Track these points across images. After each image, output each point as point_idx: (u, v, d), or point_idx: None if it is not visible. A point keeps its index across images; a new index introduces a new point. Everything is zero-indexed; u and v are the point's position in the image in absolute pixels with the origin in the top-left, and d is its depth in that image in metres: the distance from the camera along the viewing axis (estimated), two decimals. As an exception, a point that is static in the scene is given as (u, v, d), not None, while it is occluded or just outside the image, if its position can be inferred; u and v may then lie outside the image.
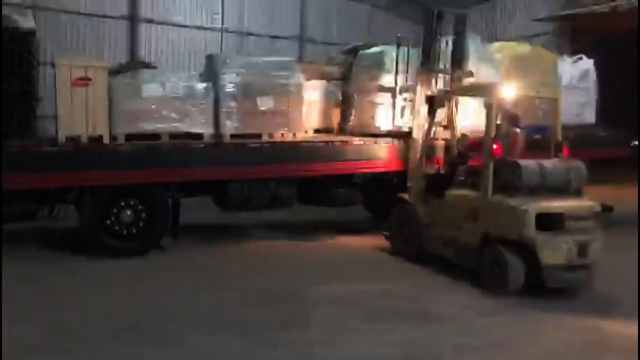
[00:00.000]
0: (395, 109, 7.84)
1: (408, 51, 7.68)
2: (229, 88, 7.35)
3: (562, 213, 5.48)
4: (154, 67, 8.64)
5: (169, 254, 6.88)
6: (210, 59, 7.98)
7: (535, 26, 13.66)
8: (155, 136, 6.99)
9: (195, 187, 7.29)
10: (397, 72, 7.78)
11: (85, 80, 6.61)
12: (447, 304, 5.33)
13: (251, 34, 15.92)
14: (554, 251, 5.38)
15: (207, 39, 15.34)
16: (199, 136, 7.17)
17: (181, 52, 14.75)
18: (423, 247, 6.68)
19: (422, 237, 6.68)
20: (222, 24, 15.62)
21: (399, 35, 7.91)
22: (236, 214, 8.03)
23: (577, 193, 6.07)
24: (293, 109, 7.70)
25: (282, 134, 7.67)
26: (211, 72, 7.53)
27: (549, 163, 5.89)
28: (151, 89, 7.01)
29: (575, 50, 11.41)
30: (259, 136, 7.48)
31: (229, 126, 7.29)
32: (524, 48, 9.22)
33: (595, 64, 9.84)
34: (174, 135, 7.09)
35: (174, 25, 14.91)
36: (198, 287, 5.72)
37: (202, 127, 7.20)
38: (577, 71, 9.67)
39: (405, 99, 7.74)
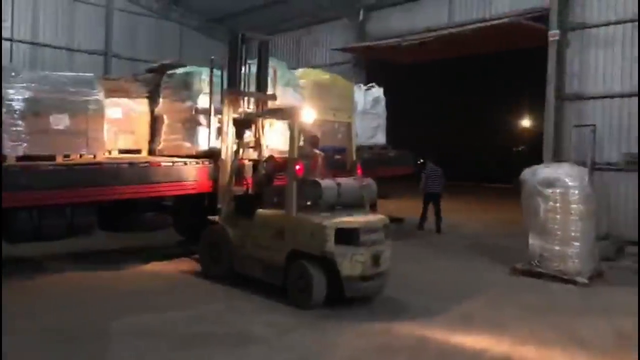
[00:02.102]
0: (210, 131, 7.76)
1: (222, 73, 7.67)
2: (16, 104, 6.63)
3: (358, 228, 5.91)
4: None
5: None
6: (-9, 71, 7.07)
7: (336, 55, 14.82)
8: None
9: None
10: (211, 94, 7.72)
11: None
12: (256, 324, 5.40)
13: (48, 46, 14.57)
14: (351, 263, 5.77)
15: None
16: (-25, 158, 6.28)
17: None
18: (233, 268, 6.71)
19: (232, 258, 6.70)
20: (12, 33, 14.02)
21: (212, 57, 7.88)
22: (25, 246, 7.14)
23: (371, 208, 6.67)
24: (93, 128, 7.20)
25: (81, 155, 7.10)
26: (-7, 86, 6.68)
27: (344, 181, 6.33)
28: None
29: (368, 79, 12.69)
30: (52, 158, 6.82)
31: (15, 147, 6.54)
32: (324, 75, 9.91)
33: (385, 92, 11.07)
34: (-58, 158, 6.12)
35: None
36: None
37: (-20, 148, 6.34)
38: (370, 98, 10.79)
39: (219, 121, 7.68)
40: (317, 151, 6.86)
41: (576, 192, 7.39)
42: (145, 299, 6.16)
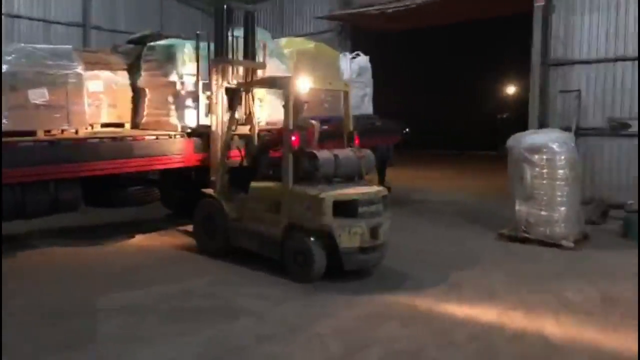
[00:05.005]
0: (199, 107, 7.58)
1: (208, 46, 7.46)
2: (-8, 79, 6.43)
3: (356, 199, 5.75)
4: None
5: None
6: (-34, 44, 6.86)
7: (321, 24, 14.59)
8: None
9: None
10: (198, 69, 7.51)
11: None
12: (247, 296, 5.39)
13: (23, 18, 14.12)
14: (350, 236, 5.64)
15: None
16: (-48, 135, 6.12)
17: None
18: (229, 241, 6.59)
19: (228, 231, 6.58)
20: (-16, 4, 13.55)
21: (198, 32, 7.65)
22: (8, 224, 7.02)
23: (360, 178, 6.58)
24: (73, 102, 7.02)
25: (62, 130, 6.96)
26: (-32, 60, 6.48)
27: (342, 153, 6.18)
28: None
29: (354, 47, 12.54)
30: (32, 133, 6.66)
31: (-6, 123, 6.38)
32: (308, 44, 9.72)
33: (370, 60, 10.94)
34: None
35: None
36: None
37: (-43, 124, 6.17)
38: (356, 67, 10.65)
39: (207, 98, 7.43)
40: (313, 122, 6.64)
41: (562, 157, 7.44)
42: (132, 274, 6.12)
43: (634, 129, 9.67)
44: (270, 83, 7.29)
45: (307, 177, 5.94)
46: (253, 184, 6.41)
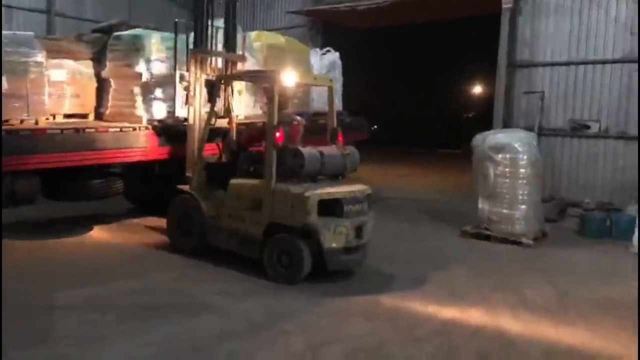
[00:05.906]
0: (175, 98, 7.44)
1: (187, 37, 7.30)
2: (-53, 65, 6.20)
3: (341, 198, 5.61)
4: None
5: None
6: None
7: (293, 18, 14.52)
8: None
9: None
10: (175, 59, 7.36)
11: None
12: (212, 293, 5.32)
13: (-19, 2, 13.60)
14: (334, 235, 5.50)
15: None
16: None
17: None
18: (205, 240, 6.38)
19: (204, 229, 6.36)
20: (-61, -14, 12.98)
21: (176, 20, 7.52)
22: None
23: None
24: (34, 92, 6.85)
25: (21, 120, 6.75)
26: None
27: (327, 150, 5.96)
28: None
29: (325, 43, 12.54)
30: (-10, 123, 6.45)
31: (-53, 112, 6.14)
32: (279, 38, 9.65)
33: (341, 57, 10.97)
34: None
35: None
36: None
37: None
38: (326, 62, 10.68)
39: (185, 88, 7.22)
40: (298, 117, 6.45)
41: (525, 157, 7.61)
42: (93, 269, 5.97)
43: (594, 130, 9.98)
44: (255, 77, 7.11)
45: (290, 174, 5.77)
46: (233, 181, 6.17)
